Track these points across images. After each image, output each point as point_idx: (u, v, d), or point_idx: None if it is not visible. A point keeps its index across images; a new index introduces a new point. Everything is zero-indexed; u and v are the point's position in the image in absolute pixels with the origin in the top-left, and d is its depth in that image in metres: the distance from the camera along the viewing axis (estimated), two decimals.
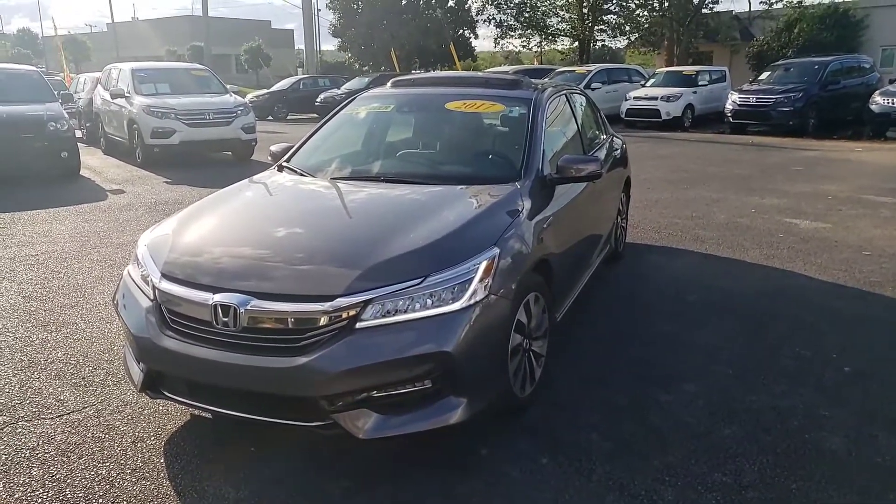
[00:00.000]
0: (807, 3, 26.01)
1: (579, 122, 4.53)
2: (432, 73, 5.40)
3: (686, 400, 3.19)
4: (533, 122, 3.71)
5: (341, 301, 2.43)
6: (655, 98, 17.59)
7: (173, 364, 2.58)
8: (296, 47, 61.44)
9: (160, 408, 3.09)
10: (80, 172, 10.26)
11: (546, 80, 17.85)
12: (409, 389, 2.48)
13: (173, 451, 2.76)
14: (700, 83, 18.47)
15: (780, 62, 18.38)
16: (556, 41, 31.08)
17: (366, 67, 39.52)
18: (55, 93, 10.45)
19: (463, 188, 3.30)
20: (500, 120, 3.97)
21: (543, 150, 3.59)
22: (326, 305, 2.42)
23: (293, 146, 4.04)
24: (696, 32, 26.48)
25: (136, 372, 2.76)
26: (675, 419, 3.02)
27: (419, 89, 4.30)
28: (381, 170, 3.69)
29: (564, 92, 4.50)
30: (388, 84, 4.46)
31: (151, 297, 2.71)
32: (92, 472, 2.61)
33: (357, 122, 4.25)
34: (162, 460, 2.70)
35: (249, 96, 25.20)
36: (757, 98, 15.97)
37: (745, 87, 17.00)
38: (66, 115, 9.87)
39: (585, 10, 27.40)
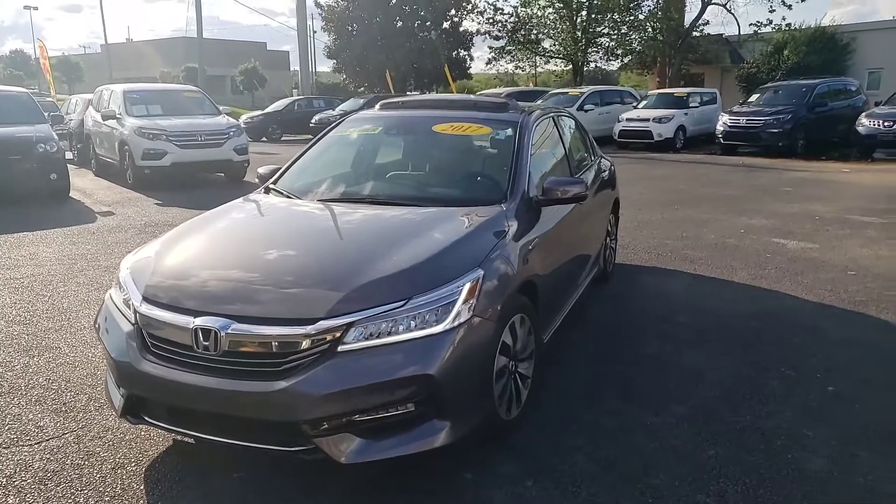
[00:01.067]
0: (795, 27, 26.39)
1: (566, 144, 4.57)
2: (420, 96, 5.46)
3: (672, 422, 3.18)
4: (519, 144, 3.73)
5: (323, 324, 2.42)
6: (647, 120, 17.76)
7: (153, 389, 2.56)
8: (291, 69, 61.87)
9: (142, 433, 3.06)
10: (70, 194, 10.24)
11: (538, 102, 18.09)
12: (392, 413, 2.47)
13: (154, 478, 2.73)
14: (691, 105, 18.68)
15: (769, 84, 18.65)
16: (549, 63, 31.39)
17: (361, 89, 39.82)
18: (45, 114, 10.45)
19: (449, 210, 3.31)
20: (488, 142, 4.00)
21: (530, 172, 3.61)
22: (308, 328, 2.41)
23: (281, 168, 4.05)
24: (686, 55, 26.82)
25: (117, 397, 2.74)
26: (660, 441, 3.01)
27: (407, 112, 4.34)
28: (368, 192, 3.70)
29: (552, 115, 4.54)
30: (377, 106, 4.49)
31: (133, 320, 2.69)
32: (69, 501, 2.57)
33: (345, 143, 4.28)
34: (142, 487, 2.66)
35: (244, 117, 25.32)
36: (747, 119, 16.16)
37: (736, 108, 17.20)
38: (56, 137, 9.88)
39: (578, 33, 27.73)
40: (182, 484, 2.68)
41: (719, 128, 16.63)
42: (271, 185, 3.88)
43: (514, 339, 2.98)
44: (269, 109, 26.08)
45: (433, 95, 4.87)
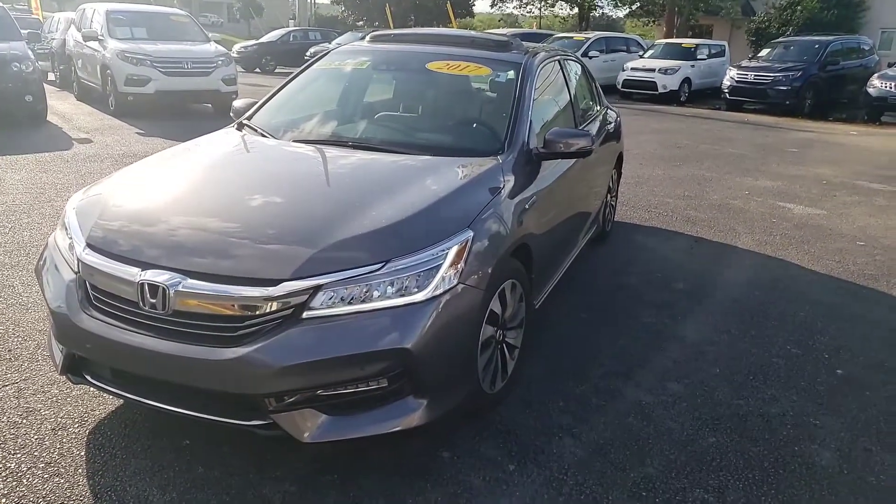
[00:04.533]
0: None
1: (572, 91, 4.18)
2: (416, 29, 5.00)
3: (669, 402, 2.94)
4: (521, 89, 3.36)
5: (288, 285, 2.12)
6: (653, 70, 17.17)
7: (94, 347, 2.26)
8: None
9: (92, 389, 2.77)
10: (48, 118, 9.72)
11: (542, 44, 17.43)
12: (361, 389, 2.20)
13: (97, 443, 2.46)
14: (699, 57, 18.06)
15: (780, 39, 17.96)
16: (554, 6, 30.26)
17: (360, 22, 38.40)
18: (21, 32, 9.83)
19: (440, 160, 2.97)
20: (487, 85, 3.62)
21: (531, 122, 3.26)
22: (270, 290, 2.11)
23: (257, 102, 3.67)
24: (697, 4, 25.83)
25: (57, 352, 2.45)
26: (656, 424, 2.77)
27: (400, 46, 3.91)
28: (350, 134, 3.32)
29: (558, 58, 4.14)
30: (367, 38, 4.08)
31: (75, 269, 2.38)
32: None
33: (329, 78, 3.88)
34: (83, 453, 2.40)
35: (237, 47, 24.38)
36: (755, 75, 15.60)
37: (744, 63, 16.61)
38: (32, 56, 9.29)
39: None
40: (127, 451, 2.42)
41: (726, 82, 16.08)
42: (245, 121, 3.51)
43: (504, 306, 2.70)
44: (264, 40, 25.12)
45: (429, 29, 4.41)
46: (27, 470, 2.30)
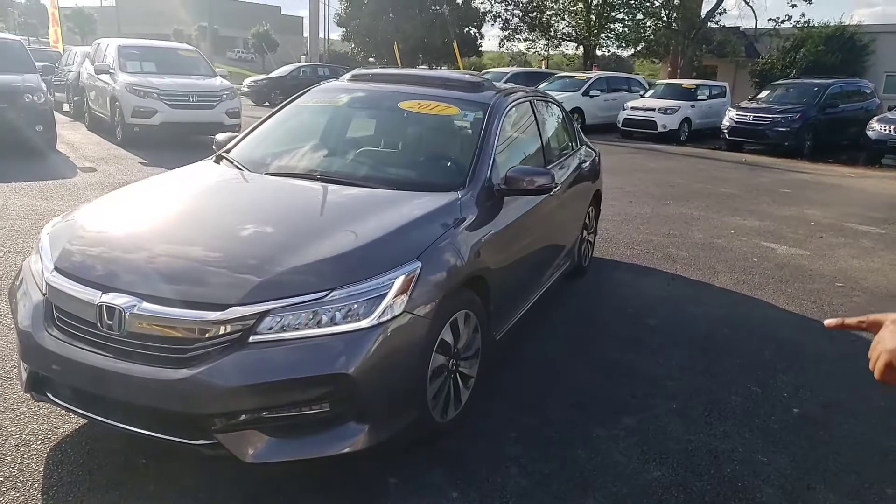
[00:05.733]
0: (813, 24, 25.76)
1: (544, 130, 4.33)
2: (395, 70, 5.18)
3: (620, 435, 3.00)
4: (487, 127, 3.51)
5: (235, 311, 2.23)
6: (653, 110, 17.39)
7: (54, 366, 2.37)
8: (304, 34, 61.13)
9: (57, 409, 2.87)
10: (57, 147, 10.01)
11: (542, 84, 17.67)
12: (304, 412, 2.29)
13: (57, 459, 2.56)
14: (699, 97, 18.28)
15: (780, 81, 18.22)
16: (560, 45, 30.82)
17: (370, 59, 39.23)
18: (35, 64, 10.19)
19: (399, 193, 3.10)
20: (454, 123, 3.77)
21: (495, 159, 3.39)
22: (218, 314, 2.22)
23: (237, 136, 3.83)
24: (700, 45, 26.24)
25: (23, 371, 2.56)
26: (603, 456, 2.83)
27: (377, 85, 4.09)
28: (317, 168, 3.47)
29: (530, 98, 4.30)
30: (347, 77, 4.26)
31: (43, 290, 2.51)
32: None
33: (306, 114, 4.05)
34: (41, 468, 2.50)
35: (247, 81, 24.98)
36: (754, 116, 15.79)
37: (744, 104, 16.81)
38: (45, 88, 9.62)
39: (592, 17, 27.17)
40: (83, 468, 2.51)
41: (725, 122, 16.26)
42: (224, 154, 3.67)
43: (456, 336, 2.79)
44: (274, 74, 25.74)
45: (407, 70, 4.57)
46: None
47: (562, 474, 2.68)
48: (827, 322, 1.12)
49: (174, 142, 11.09)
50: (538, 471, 2.69)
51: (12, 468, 2.49)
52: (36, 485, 2.41)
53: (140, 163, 9.48)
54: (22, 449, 2.61)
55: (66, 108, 15.15)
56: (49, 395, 2.49)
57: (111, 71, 11.17)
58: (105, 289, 2.33)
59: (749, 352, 4.04)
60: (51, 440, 2.68)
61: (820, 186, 10.98)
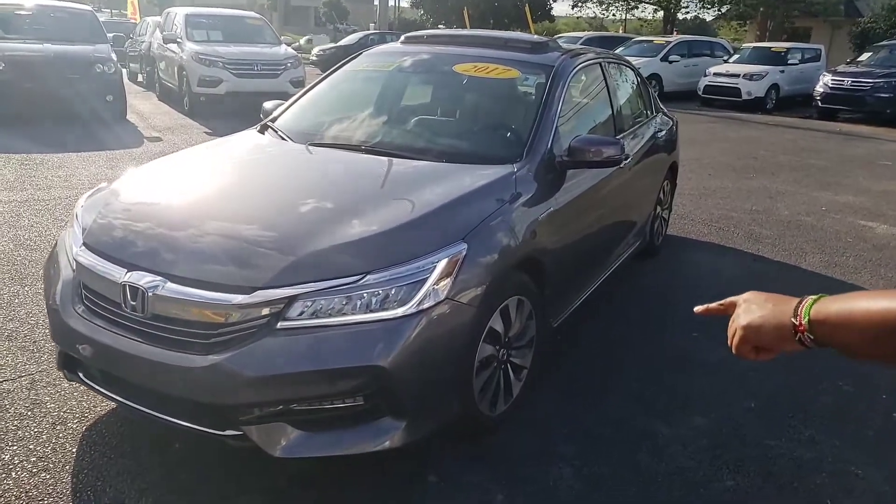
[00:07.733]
0: None
1: (615, 96, 3.95)
2: (450, 31, 4.89)
3: (689, 437, 2.69)
4: (550, 93, 3.19)
5: (262, 294, 2.05)
6: (737, 76, 16.28)
7: (80, 346, 2.26)
8: (374, 2, 60.90)
9: None
10: (127, 117, 10.22)
11: (618, 48, 16.85)
12: (336, 405, 2.10)
13: (90, 440, 2.48)
14: (790, 62, 17.00)
15: (884, 43, 16.66)
16: (637, 7, 29.36)
17: (440, 25, 38.67)
18: (107, 35, 10.37)
19: (451, 167, 2.84)
20: (513, 88, 3.46)
21: (557, 128, 3.08)
22: (245, 298, 2.05)
23: (285, 104, 3.65)
24: (794, 5, 24.39)
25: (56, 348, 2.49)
26: (668, 460, 2.54)
27: (430, 47, 3.80)
28: (364, 138, 3.23)
29: (600, 60, 3.93)
30: (401, 39, 4.00)
31: (73, 266, 2.40)
32: None
33: (355, 80, 3.82)
34: (74, 449, 2.42)
35: (315, 50, 25.02)
36: (852, 81, 14.52)
37: (841, 68, 15.49)
38: (115, 58, 9.78)
39: None
40: (116, 451, 2.43)
41: (818, 89, 15.06)
42: (269, 123, 3.50)
43: (508, 324, 2.54)
44: (342, 42, 25.65)
45: (464, 31, 4.31)
46: (18, 463, 2.33)
47: (619, 479, 2.41)
48: (696, 309, 1.16)
49: (239, 111, 11.14)
50: (594, 473, 2.43)
51: (46, 448, 2.42)
52: (67, 466, 2.33)
53: (205, 132, 9.54)
54: (58, 427, 2.54)
55: (139, 78, 15.52)
56: (80, 375, 2.39)
57: (179, 40, 11.26)
58: (131, 266, 2.20)
59: None
60: (87, 419, 2.61)
61: None
